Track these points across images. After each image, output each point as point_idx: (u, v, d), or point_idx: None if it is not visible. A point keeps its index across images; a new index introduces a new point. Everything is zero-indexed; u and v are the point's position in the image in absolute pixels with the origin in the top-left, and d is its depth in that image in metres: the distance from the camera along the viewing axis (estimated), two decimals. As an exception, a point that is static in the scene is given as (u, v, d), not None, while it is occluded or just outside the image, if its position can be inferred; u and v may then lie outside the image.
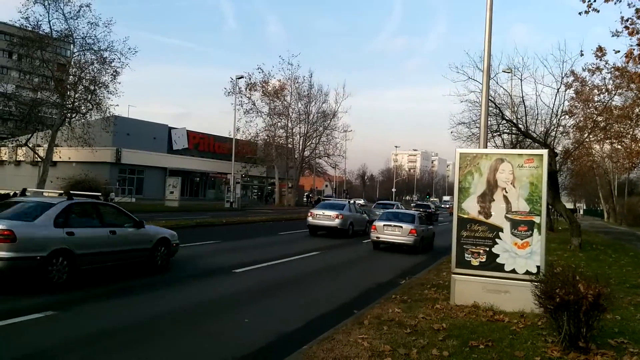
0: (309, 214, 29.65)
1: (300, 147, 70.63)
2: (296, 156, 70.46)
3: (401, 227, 23.07)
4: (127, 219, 13.86)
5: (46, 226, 11.12)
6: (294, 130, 70.02)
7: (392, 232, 23.09)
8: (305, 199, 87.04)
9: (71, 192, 13.89)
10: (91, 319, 9.22)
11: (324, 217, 28.62)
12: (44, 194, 17.07)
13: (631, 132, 37.82)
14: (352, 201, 34.08)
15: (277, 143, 68.26)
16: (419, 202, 71.71)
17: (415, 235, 22.47)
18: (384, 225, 23.47)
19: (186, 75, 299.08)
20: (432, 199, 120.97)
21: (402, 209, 39.59)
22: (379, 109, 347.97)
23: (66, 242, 11.32)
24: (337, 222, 28.23)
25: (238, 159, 61.93)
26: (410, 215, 25.44)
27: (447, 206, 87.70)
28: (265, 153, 68.68)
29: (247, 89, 66.12)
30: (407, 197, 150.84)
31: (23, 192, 14.68)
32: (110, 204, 15.45)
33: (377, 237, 23.41)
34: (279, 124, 68.80)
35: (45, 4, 39.48)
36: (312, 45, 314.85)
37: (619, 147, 42.32)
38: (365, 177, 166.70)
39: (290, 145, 69.94)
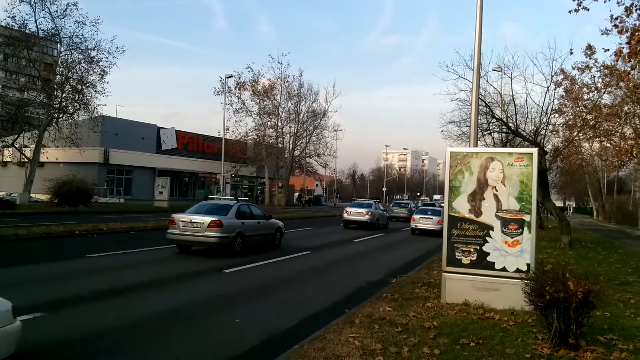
0: (345, 211, 37.75)
1: (291, 146, 70.55)
2: (286, 156, 70.36)
3: (432, 218, 33.39)
4: (263, 214, 21.20)
5: (233, 218, 18.48)
6: (284, 130, 69.95)
7: (425, 222, 33.50)
8: (296, 199, 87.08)
9: (238, 197, 22.61)
10: (256, 273, 15.25)
11: (357, 214, 36.46)
12: (220, 199, 25.22)
13: (620, 130, 38.03)
14: (377, 201, 41.59)
15: (267, 142, 68.13)
16: (427, 202, 73.02)
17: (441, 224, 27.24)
18: (420, 217, 34.11)
19: (175, 75, 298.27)
20: (423, 198, 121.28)
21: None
22: (369, 108, 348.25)
23: (241, 227, 18.71)
24: (366, 217, 36.00)
25: (228, 158, 61.81)
26: (438, 210, 34.39)
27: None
28: (255, 153, 68.51)
29: (237, 88, 66.02)
30: (398, 197, 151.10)
31: (206, 198, 25.04)
32: (253, 205, 22.97)
33: (415, 226, 33.87)
34: (268, 123, 68.69)
35: (32, 2, 39.36)
36: (303, 44, 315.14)
37: (608, 145, 42.54)
38: (356, 177, 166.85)
39: (280, 145, 69.83)
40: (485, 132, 29.29)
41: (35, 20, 40.14)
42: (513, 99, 27.94)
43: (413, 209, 49.34)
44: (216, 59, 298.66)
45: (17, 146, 45.26)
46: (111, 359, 7.32)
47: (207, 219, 17.54)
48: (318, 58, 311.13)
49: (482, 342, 7.72)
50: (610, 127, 35.52)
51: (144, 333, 8.57)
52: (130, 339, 8.22)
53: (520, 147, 27.86)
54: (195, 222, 17.63)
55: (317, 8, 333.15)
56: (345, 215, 37.18)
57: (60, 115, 43.30)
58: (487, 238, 10.31)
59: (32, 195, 43.22)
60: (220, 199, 23.63)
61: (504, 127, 28.08)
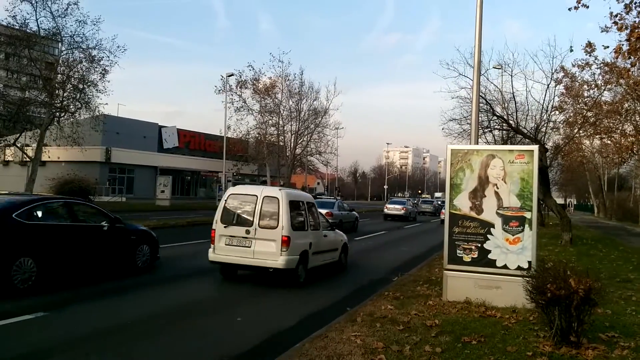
0: (385, 207, 51.81)
1: (292, 144, 70.28)
2: (288, 154, 70.23)
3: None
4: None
5: (336, 210, 28.40)
6: (285, 128, 69.60)
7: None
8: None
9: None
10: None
11: (395, 209, 49.93)
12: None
13: (620, 127, 38.01)
14: (409, 199, 53.27)
15: (268, 141, 67.93)
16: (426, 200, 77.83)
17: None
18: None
19: (177, 74, 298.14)
20: (424, 196, 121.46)
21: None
22: (370, 106, 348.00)
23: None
24: (402, 212, 49.46)
25: (229, 157, 61.72)
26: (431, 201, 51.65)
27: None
28: (257, 151, 68.26)
29: (238, 87, 65.69)
30: (399, 194, 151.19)
31: (316, 196, 37.68)
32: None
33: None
34: (270, 121, 68.35)
35: (33, 2, 39.01)
36: (304, 42, 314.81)
37: (609, 142, 42.54)
38: (357, 175, 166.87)
39: (281, 143, 69.63)
40: (486, 130, 29.27)
41: (37, 20, 39.97)
42: (514, 96, 27.93)
43: (438, 206, 62.18)
44: (218, 57, 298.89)
45: (18, 145, 45.13)
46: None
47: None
48: (319, 56, 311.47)
49: (483, 340, 7.73)
50: (611, 124, 35.51)
51: (150, 330, 8.59)
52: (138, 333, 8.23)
53: (521, 144, 27.80)
54: None
55: (319, 6, 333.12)
56: (385, 210, 50.53)
57: (62, 114, 43.15)
58: (489, 235, 10.33)
59: (33, 194, 43.23)
60: None
61: (504, 124, 28.07)
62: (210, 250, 13.31)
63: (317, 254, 14.29)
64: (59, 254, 11.57)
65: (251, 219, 12.95)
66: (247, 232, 12.84)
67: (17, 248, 10.67)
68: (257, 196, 13.20)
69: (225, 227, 13.16)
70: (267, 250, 12.54)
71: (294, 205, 13.47)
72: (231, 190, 14.45)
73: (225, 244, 13.09)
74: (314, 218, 14.58)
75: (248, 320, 9.55)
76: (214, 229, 13.30)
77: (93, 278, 12.50)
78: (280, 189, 14.00)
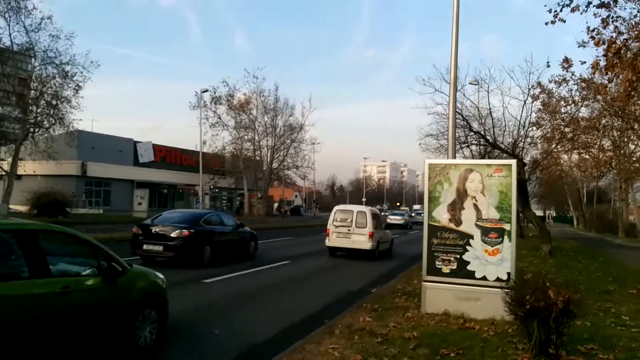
0: (388, 218, 56.90)
1: (268, 159, 70.56)
2: (264, 168, 70.33)
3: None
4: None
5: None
6: (261, 143, 69.95)
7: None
8: (276, 210, 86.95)
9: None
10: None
11: (396, 219, 58.06)
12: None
13: (598, 143, 38.31)
14: (407, 211, 59.47)
15: (244, 156, 68.05)
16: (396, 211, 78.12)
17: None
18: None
19: (152, 89, 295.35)
20: (402, 208, 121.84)
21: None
22: (347, 120, 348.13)
23: None
24: (402, 221, 58.48)
25: (206, 171, 61.62)
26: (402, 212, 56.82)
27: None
28: (233, 165, 68.42)
29: (213, 103, 65.91)
30: (378, 207, 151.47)
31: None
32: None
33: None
34: (245, 137, 68.65)
35: (6, 16, 38.80)
36: (279, 58, 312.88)
37: (587, 157, 42.89)
38: (335, 188, 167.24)
39: (258, 158, 69.79)
40: (463, 145, 29.45)
41: (10, 34, 39.63)
42: (490, 112, 28.17)
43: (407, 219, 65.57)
44: (193, 73, 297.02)
45: (-7, 160, 44.77)
46: None
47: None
48: (295, 72, 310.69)
49: (462, 352, 7.68)
50: (589, 140, 35.79)
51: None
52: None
53: (498, 159, 27.97)
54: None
55: (294, 22, 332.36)
56: (388, 220, 55.27)
57: (36, 130, 42.83)
58: (468, 247, 10.29)
59: (10, 206, 42.78)
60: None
61: (482, 139, 28.22)
62: (327, 240, 23.71)
63: (382, 243, 24.05)
64: (220, 246, 18.94)
65: (350, 223, 23.04)
66: (348, 229, 22.99)
67: (203, 241, 17.92)
68: (352, 211, 23.85)
69: (335, 227, 23.37)
70: (360, 240, 22.61)
71: (373, 215, 23.48)
72: (337, 207, 25.39)
73: (335, 237, 23.39)
74: (379, 223, 24.81)
75: (225, 332, 9.42)
76: (329, 229, 23.61)
77: (231, 261, 19.09)
78: (364, 207, 26.05)
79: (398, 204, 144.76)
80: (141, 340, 7.70)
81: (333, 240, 23.39)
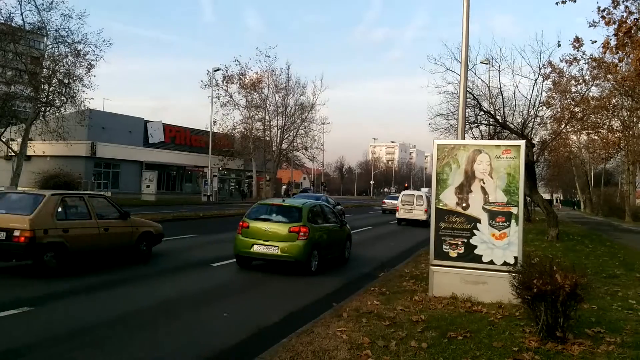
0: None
1: (278, 139, 70.27)
2: (274, 149, 70.13)
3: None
4: None
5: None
6: (271, 123, 69.58)
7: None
8: (284, 192, 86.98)
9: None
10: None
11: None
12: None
13: (607, 123, 38.22)
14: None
15: (254, 136, 67.83)
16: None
17: None
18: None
19: (163, 68, 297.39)
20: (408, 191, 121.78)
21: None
22: (357, 101, 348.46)
23: None
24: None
25: (215, 152, 61.53)
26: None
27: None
28: (243, 146, 68.18)
29: (224, 82, 65.55)
30: (386, 189, 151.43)
31: (302, 191, 48.98)
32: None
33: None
34: (256, 116, 68.29)
35: (18, -5, 38.84)
36: (291, 37, 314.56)
37: (596, 137, 42.80)
38: (343, 170, 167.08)
39: (267, 138, 69.54)
40: (473, 125, 29.31)
41: (22, 14, 39.61)
42: (501, 91, 27.94)
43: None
44: (204, 52, 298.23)
45: (3, 140, 44.80)
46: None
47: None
48: (306, 51, 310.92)
49: (469, 335, 7.71)
50: (598, 120, 35.71)
51: (138, 323, 8.50)
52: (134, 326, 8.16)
53: (507, 139, 27.84)
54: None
55: (306, 1, 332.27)
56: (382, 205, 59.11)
57: (47, 109, 42.87)
58: (475, 231, 10.30)
59: (19, 188, 42.90)
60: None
61: (491, 119, 28.10)
62: (397, 213, 36.83)
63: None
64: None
65: (412, 202, 36.16)
66: (411, 207, 35.81)
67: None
68: (413, 194, 37.99)
69: (402, 205, 36.36)
70: (419, 213, 32.91)
71: (426, 198, 34.53)
72: (403, 192, 40.28)
73: (402, 212, 36.26)
74: (429, 203, 25.78)
75: (234, 315, 9.50)
76: (398, 206, 37.04)
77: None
78: (420, 191, 40.57)
79: (406, 185, 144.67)
80: (346, 254, 17.60)
81: (400, 214, 36.71)
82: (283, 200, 16.46)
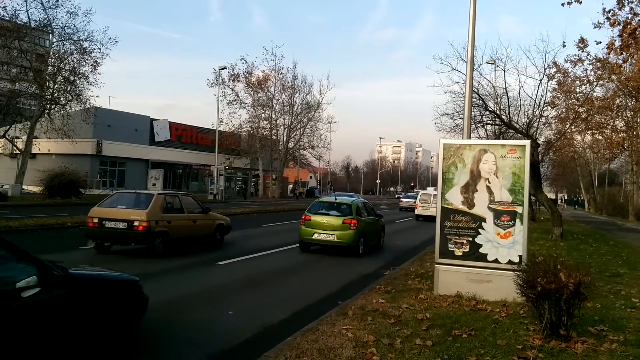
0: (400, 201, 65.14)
1: (285, 138, 70.39)
2: (280, 148, 70.20)
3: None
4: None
5: None
6: (277, 122, 69.73)
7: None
8: (290, 191, 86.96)
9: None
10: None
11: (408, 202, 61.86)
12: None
13: (612, 123, 38.23)
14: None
15: (260, 134, 67.91)
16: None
17: None
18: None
19: (169, 67, 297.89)
20: (416, 190, 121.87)
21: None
22: (364, 100, 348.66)
23: None
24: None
25: (221, 150, 61.55)
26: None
27: None
28: (249, 144, 68.28)
29: (231, 80, 65.67)
30: (392, 188, 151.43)
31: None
32: None
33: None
34: (262, 115, 68.42)
35: (23, -8, 38.98)
36: (298, 36, 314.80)
37: (600, 137, 42.82)
38: (350, 169, 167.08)
39: (274, 137, 69.62)
40: (478, 125, 29.33)
41: (27, 11, 40.03)
42: (506, 91, 27.92)
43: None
44: (211, 50, 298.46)
45: (8, 137, 45.02)
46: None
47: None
48: (313, 50, 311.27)
49: (474, 333, 7.77)
50: (602, 120, 35.72)
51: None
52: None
53: (513, 139, 27.86)
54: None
55: (313, 1, 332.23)
56: (400, 203, 62.78)
57: (52, 107, 43.10)
58: (480, 230, 10.35)
59: (24, 187, 43.09)
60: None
61: (497, 119, 28.10)
62: (416, 210, 41.80)
63: None
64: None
65: (429, 200, 39.75)
66: (428, 204, 39.60)
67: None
68: (430, 193, 41.41)
69: (421, 203, 40.87)
70: (435, 210, 17.99)
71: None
72: (421, 192, 47.70)
73: (420, 209, 40.89)
74: None
75: (240, 313, 9.57)
76: (416, 203, 42.25)
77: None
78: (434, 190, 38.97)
79: (412, 184, 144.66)
80: (382, 242, 21.50)
81: (419, 211, 41.14)
82: (335, 199, 20.38)
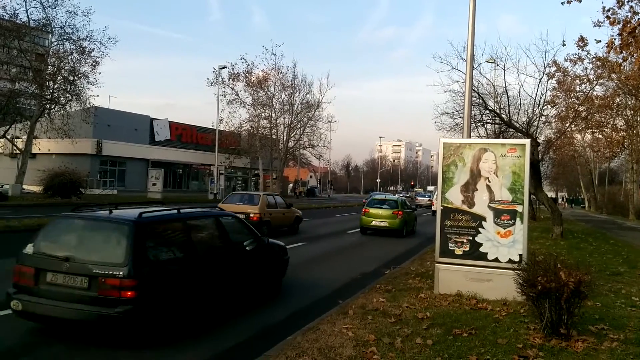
0: (415, 199, 69.92)
1: (285, 137, 70.27)
2: (280, 147, 70.14)
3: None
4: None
5: None
6: (277, 121, 69.55)
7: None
8: (291, 191, 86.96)
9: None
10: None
11: (423, 201, 66.02)
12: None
13: (612, 122, 38.22)
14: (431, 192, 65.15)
15: (260, 134, 67.81)
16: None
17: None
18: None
19: (169, 66, 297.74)
20: (417, 189, 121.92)
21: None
22: (364, 99, 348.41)
23: None
24: (429, 203, 60.74)
25: (221, 150, 61.48)
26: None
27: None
28: (249, 144, 68.16)
29: (230, 79, 65.49)
30: (392, 187, 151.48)
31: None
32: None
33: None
34: (262, 114, 68.20)
35: (23, -8, 38.93)
36: (297, 35, 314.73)
37: (600, 136, 42.83)
38: (350, 168, 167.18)
39: (274, 136, 69.50)
40: (478, 124, 29.33)
41: (26, 10, 39.83)
42: (506, 90, 27.89)
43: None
44: (210, 50, 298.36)
45: (8, 137, 44.99)
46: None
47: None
48: (312, 50, 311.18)
49: (474, 332, 7.78)
50: (602, 119, 35.72)
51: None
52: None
53: (513, 138, 27.85)
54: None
55: (312, 0, 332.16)
56: (416, 201, 65.32)
57: (52, 106, 43.06)
58: (480, 229, 10.35)
59: (24, 186, 43.07)
60: None
61: (496, 118, 28.08)
62: (432, 207, 45.34)
63: None
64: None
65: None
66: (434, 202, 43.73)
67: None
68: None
69: (436, 200, 37.66)
70: None
71: None
72: (436, 191, 37.02)
73: (435, 207, 33.76)
74: None
75: (239, 313, 9.55)
76: (433, 201, 46.75)
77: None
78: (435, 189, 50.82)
79: (412, 183, 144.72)
80: (415, 229, 29.08)
81: (434, 208, 37.60)
82: (385, 197, 30.45)
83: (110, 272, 6.94)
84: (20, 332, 7.79)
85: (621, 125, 40.44)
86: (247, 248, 9.97)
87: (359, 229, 26.86)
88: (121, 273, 6.91)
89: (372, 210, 26.22)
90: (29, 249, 7.64)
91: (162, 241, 8.24)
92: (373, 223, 25.78)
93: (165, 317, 7.51)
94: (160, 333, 7.53)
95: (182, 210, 8.98)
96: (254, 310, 9.87)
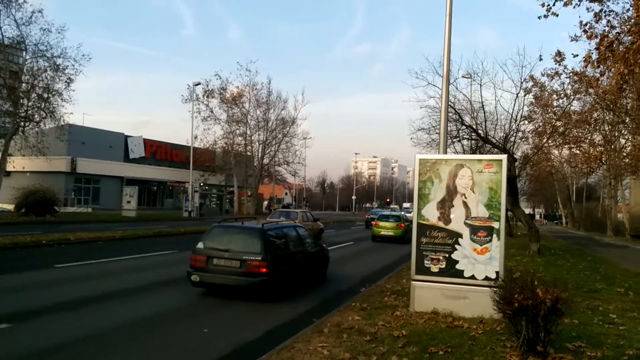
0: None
1: (259, 154, 70.09)
2: (255, 164, 69.95)
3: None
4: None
5: (300, 220, 31.40)
6: (252, 138, 69.36)
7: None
8: (266, 208, 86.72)
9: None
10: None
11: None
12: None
13: (589, 137, 38.49)
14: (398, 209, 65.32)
15: (235, 151, 67.61)
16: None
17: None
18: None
19: (144, 83, 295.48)
20: (393, 206, 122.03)
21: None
22: (339, 115, 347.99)
23: None
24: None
25: (196, 167, 61.25)
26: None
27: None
28: (224, 161, 67.97)
29: (205, 96, 65.31)
30: (367, 205, 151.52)
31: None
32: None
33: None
34: (237, 131, 68.04)
35: (-4, 10, 38.54)
36: (273, 51, 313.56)
37: (578, 152, 43.09)
38: (325, 185, 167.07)
39: (249, 153, 69.34)
40: (454, 139, 29.36)
41: (0, 28, 39.47)
42: (483, 105, 28.00)
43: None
44: (186, 66, 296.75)
45: (-18, 155, 44.40)
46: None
47: None
48: (288, 65, 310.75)
49: (450, 350, 7.68)
50: (580, 134, 35.96)
51: (113, 342, 8.38)
52: (100, 347, 8.05)
53: (490, 154, 27.90)
54: None
55: (288, 15, 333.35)
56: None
57: (27, 124, 42.57)
58: (456, 246, 10.28)
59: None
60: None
61: (473, 134, 28.15)
62: None
63: None
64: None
65: None
66: None
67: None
68: None
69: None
70: None
71: None
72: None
73: None
74: None
75: (213, 331, 9.38)
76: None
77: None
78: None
79: (388, 200, 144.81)
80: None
81: None
82: (390, 212, 39.53)
83: (253, 258, 11.78)
84: (186, 296, 12.71)
85: (599, 141, 40.75)
86: (311, 249, 15.21)
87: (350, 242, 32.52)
88: (259, 258, 11.78)
89: (381, 223, 34.37)
90: (200, 245, 12.52)
91: (275, 240, 12.96)
92: (382, 233, 33.66)
93: (281, 285, 12.56)
94: (278, 295, 12.46)
95: (280, 223, 15.55)
96: (313, 289, 14.60)
